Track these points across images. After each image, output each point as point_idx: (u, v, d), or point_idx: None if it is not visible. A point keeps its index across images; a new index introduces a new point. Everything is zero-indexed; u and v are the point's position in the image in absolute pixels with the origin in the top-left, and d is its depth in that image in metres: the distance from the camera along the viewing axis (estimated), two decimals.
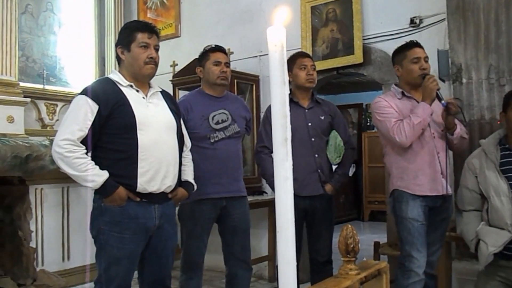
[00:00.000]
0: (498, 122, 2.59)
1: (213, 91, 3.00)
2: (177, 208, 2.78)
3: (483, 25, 3.13)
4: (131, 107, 2.27)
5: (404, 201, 2.73)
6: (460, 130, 2.75)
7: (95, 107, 2.22)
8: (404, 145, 2.69)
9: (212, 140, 2.89)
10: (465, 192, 2.69)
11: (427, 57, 2.79)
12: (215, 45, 3.06)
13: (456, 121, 2.77)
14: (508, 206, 2.45)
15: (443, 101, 2.67)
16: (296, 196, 3.40)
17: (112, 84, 2.33)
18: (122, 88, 2.32)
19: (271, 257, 4.40)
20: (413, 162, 2.73)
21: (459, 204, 2.73)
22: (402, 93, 2.81)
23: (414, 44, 2.84)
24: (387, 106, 2.77)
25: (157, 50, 2.40)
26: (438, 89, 2.69)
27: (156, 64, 2.39)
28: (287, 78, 0.87)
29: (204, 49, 3.05)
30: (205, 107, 2.93)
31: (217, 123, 2.91)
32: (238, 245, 2.96)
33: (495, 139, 2.63)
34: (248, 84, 4.73)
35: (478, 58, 3.14)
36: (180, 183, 2.49)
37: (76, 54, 5.05)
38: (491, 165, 2.55)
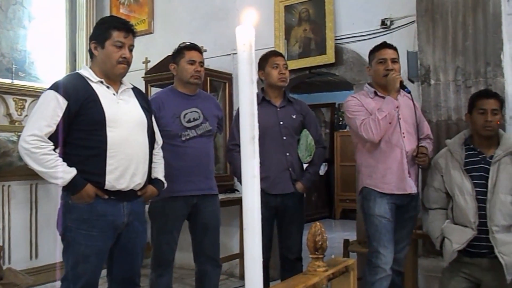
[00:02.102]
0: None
1: (186, 89, 3.00)
2: (147, 206, 2.77)
3: (451, 28, 3.20)
4: (101, 103, 2.24)
5: (372, 199, 2.78)
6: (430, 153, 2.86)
7: (64, 103, 2.18)
8: (373, 141, 2.74)
9: (183, 138, 2.89)
10: (431, 191, 2.75)
11: (395, 58, 2.84)
12: (191, 43, 3.05)
13: (425, 143, 2.86)
14: (472, 204, 2.52)
15: (406, 88, 2.76)
16: (267, 194, 3.42)
17: (82, 79, 2.30)
18: (92, 84, 2.29)
19: (242, 254, 4.39)
20: (382, 161, 2.78)
21: (425, 202, 2.80)
22: (375, 93, 2.86)
23: (384, 45, 2.89)
24: (358, 104, 2.83)
25: (131, 50, 2.37)
26: (402, 82, 2.75)
27: (128, 64, 2.37)
28: (255, 77, 0.88)
29: (179, 46, 3.04)
30: (177, 105, 2.93)
31: (189, 121, 2.92)
32: (207, 243, 2.97)
33: (460, 139, 2.70)
34: (221, 82, 4.73)
35: (446, 60, 3.22)
36: (150, 180, 2.48)
37: (47, 48, 4.95)
38: (456, 165, 2.62)
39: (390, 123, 2.71)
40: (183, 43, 3.06)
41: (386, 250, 2.71)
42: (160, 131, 2.70)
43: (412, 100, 2.85)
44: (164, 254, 2.92)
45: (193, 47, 3.02)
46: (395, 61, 2.83)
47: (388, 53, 2.83)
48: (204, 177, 2.96)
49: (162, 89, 3.21)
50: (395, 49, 2.89)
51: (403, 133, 2.79)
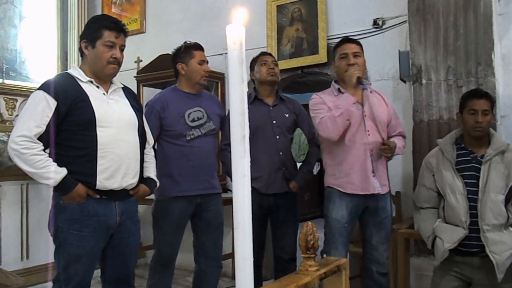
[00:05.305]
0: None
1: (192, 89, 2.99)
2: (148, 206, 2.77)
3: (442, 28, 3.22)
4: (91, 103, 2.23)
5: (332, 201, 2.76)
6: (399, 148, 2.78)
7: (53, 103, 2.17)
8: (331, 139, 2.67)
9: (188, 138, 2.89)
10: (423, 190, 2.75)
11: (358, 52, 2.78)
12: (196, 43, 3.04)
13: (396, 139, 2.80)
14: (463, 203, 2.52)
15: (362, 85, 2.66)
16: (260, 194, 3.40)
17: (72, 79, 2.28)
18: (82, 84, 2.27)
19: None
20: (345, 160, 2.73)
21: (417, 201, 2.80)
22: (339, 90, 2.83)
23: (345, 40, 2.86)
24: (320, 102, 2.78)
25: (122, 50, 2.35)
26: (359, 77, 2.67)
27: (119, 65, 2.35)
28: (245, 76, 0.88)
29: (184, 45, 3.01)
30: (181, 105, 2.92)
31: (193, 120, 2.91)
32: (210, 242, 2.96)
33: (451, 139, 2.70)
34: (213, 82, 4.71)
35: (437, 59, 3.23)
36: (142, 180, 2.46)
37: (38, 48, 4.92)
38: (448, 164, 2.62)
39: (348, 120, 2.62)
40: (187, 41, 3.04)
41: (337, 252, 2.69)
42: (165, 131, 2.74)
43: (382, 97, 2.84)
44: (169, 256, 2.91)
45: (199, 47, 3.02)
46: (357, 55, 2.77)
47: (350, 48, 2.78)
48: (208, 176, 2.95)
49: (165, 88, 3.19)
50: (358, 43, 2.84)
51: (368, 130, 2.72)
